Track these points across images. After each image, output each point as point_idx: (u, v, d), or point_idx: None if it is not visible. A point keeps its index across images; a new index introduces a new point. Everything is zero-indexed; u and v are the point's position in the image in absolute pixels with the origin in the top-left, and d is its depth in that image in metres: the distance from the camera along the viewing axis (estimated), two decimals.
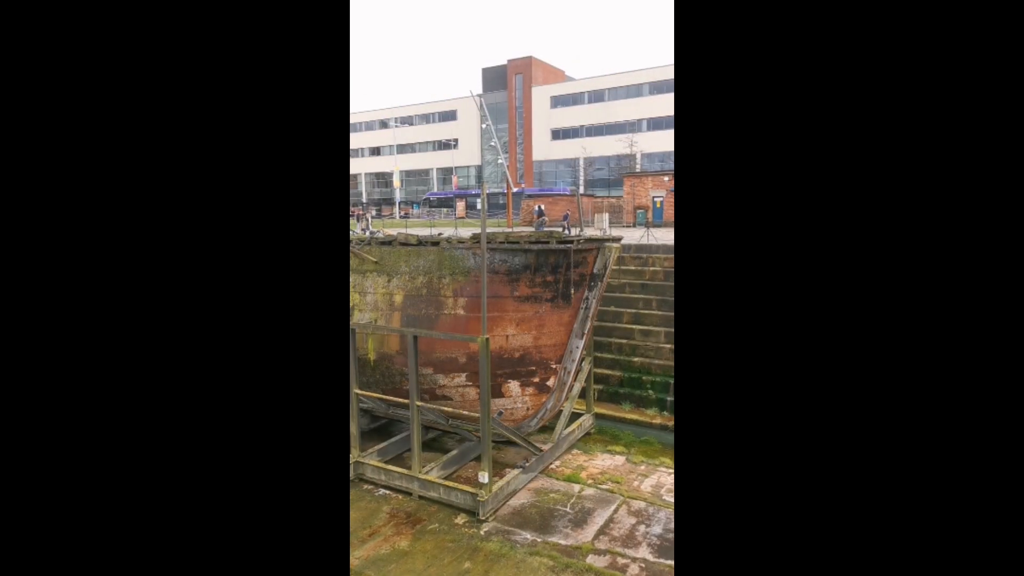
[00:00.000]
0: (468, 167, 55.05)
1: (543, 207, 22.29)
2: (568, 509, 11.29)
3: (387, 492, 12.03)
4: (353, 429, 12.71)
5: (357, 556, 9.82)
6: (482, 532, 10.48)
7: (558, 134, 50.71)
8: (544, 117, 50.93)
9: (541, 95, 50.98)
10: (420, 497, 11.67)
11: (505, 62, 51.98)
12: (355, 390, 12.63)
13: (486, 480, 10.98)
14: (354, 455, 12.61)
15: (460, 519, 10.93)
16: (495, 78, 51.74)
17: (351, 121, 61.99)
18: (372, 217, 29.50)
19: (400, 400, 12.72)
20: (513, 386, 13.62)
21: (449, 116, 55.77)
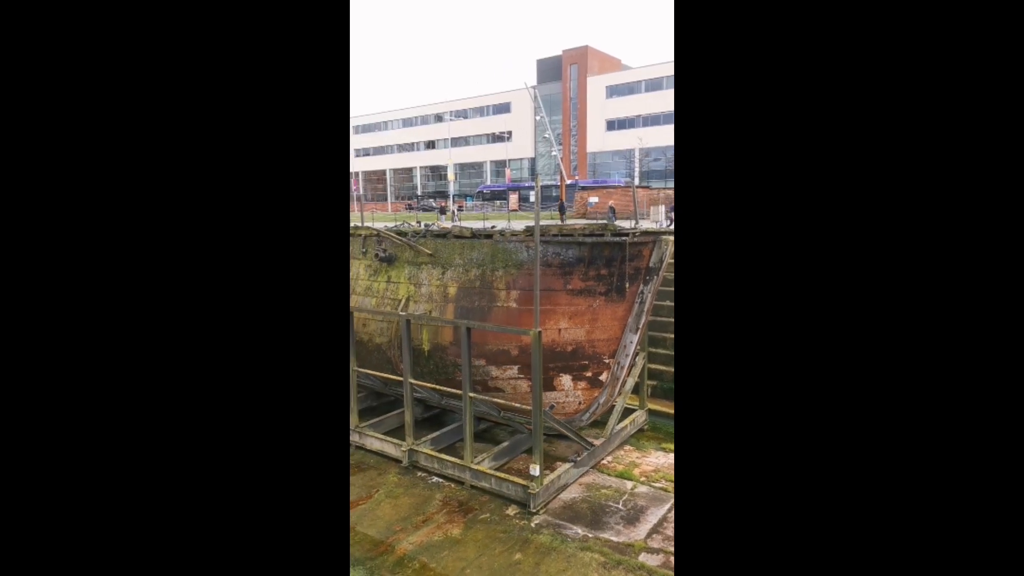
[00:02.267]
0: (521, 160, 55.01)
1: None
2: (620, 506, 11.16)
3: (440, 480, 12.26)
4: (408, 418, 13.01)
5: (411, 541, 10.06)
6: (533, 524, 10.51)
7: (613, 124, 49.82)
8: (599, 107, 50.13)
9: (596, 85, 50.19)
10: (472, 487, 11.83)
11: (560, 53, 51.45)
12: (354, 368, 12.93)
13: (537, 473, 11.00)
14: (408, 443, 12.91)
15: (511, 510, 11.00)
16: (550, 69, 51.35)
17: (408, 116, 63.13)
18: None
19: (453, 391, 12.90)
20: (565, 380, 13.55)
21: (503, 109, 55.84)
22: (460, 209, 26.66)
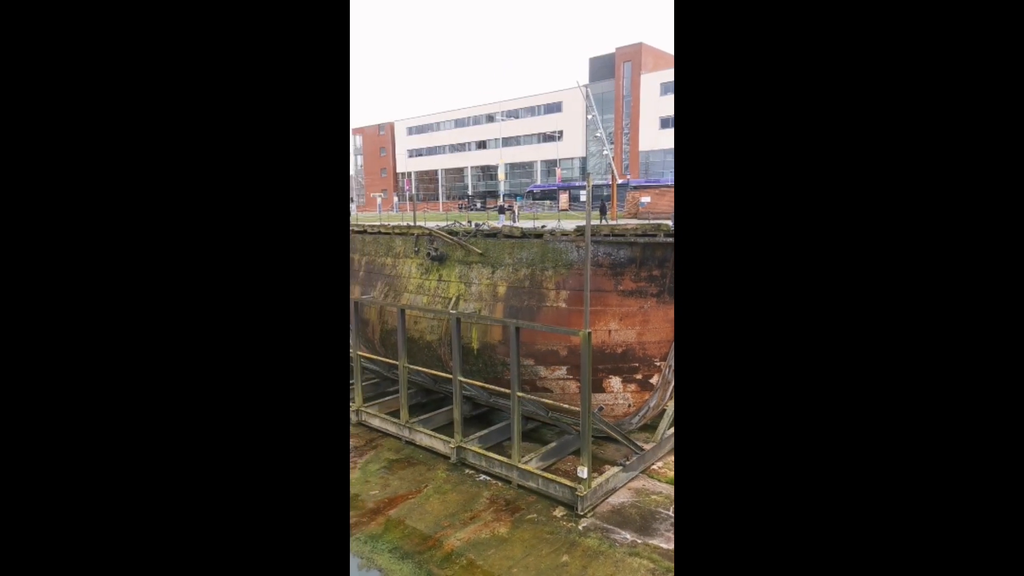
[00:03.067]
0: (572, 159, 54.68)
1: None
2: (670, 513, 10.89)
3: (487, 478, 12.33)
4: (456, 415, 13.15)
5: (459, 538, 10.17)
6: (580, 527, 10.41)
7: (667, 122, 48.75)
8: (653, 105, 49.18)
9: (650, 82, 49.26)
10: (519, 486, 11.84)
11: (613, 51, 50.81)
12: (405, 364, 13.06)
13: (585, 475, 10.89)
14: (456, 440, 13.05)
15: (558, 512, 10.94)
16: (602, 67, 50.79)
17: (460, 117, 63.90)
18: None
19: (501, 389, 12.95)
20: (614, 382, 13.35)
21: (554, 108, 55.68)
22: (516, 208, 26.25)
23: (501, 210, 23.36)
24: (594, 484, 11.08)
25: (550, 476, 11.52)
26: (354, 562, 9.79)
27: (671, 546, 9.78)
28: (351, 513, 11.30)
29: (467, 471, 12.74)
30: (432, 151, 69.05)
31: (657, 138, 50.88)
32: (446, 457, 13.25)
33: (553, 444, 13.24)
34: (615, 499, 11.42)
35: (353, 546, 10.19)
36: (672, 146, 48.48)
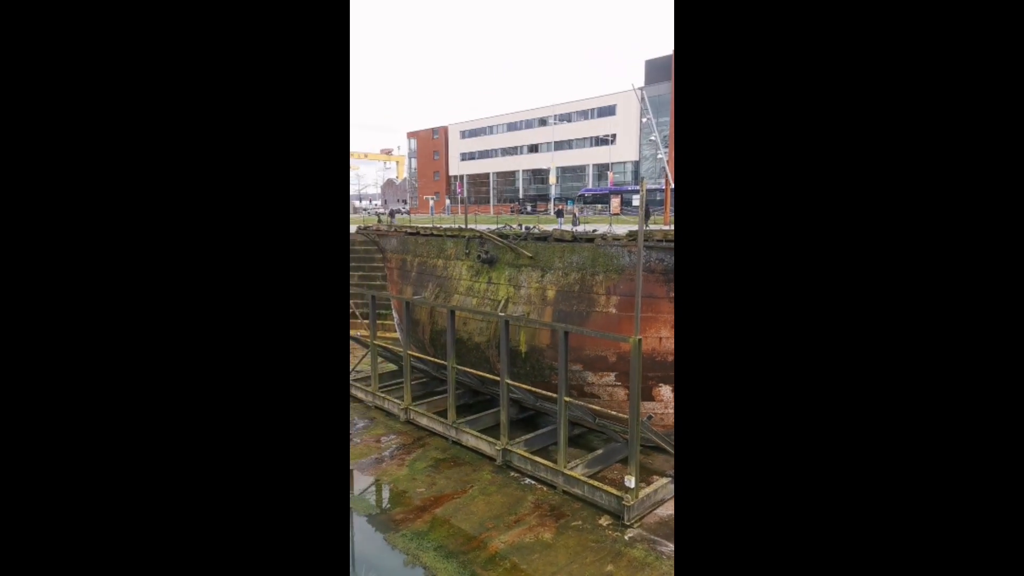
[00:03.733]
0: (624, 163, 53.98)
1: None
2: None
3: (532, 482, 12.29)
4: (503, 417, 13.18)
5: (503, 540, 10.17)
6: (626, 537, 10.21)
7: None
8: None
9: None
10: (564, 492, 11.73)
11: (670, 52, 49.86)
12: (453, 365, 13.09)
13: (633, 485, 10.67)
14: (502, 442, 13.08)
15: (604, 520, 10.77)
16: (659, 70, 49.90)
17: (512, 120, 64.26)
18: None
19: (548, 394, 12.88)
20: (665, 391, 13.04)
21: (608, 111, 55.14)
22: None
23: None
24: (641, 494, 10.85)
25: (596, 484, 11.36)
26: (399, 559, 9.95)
27: None
28: (398, 510, 11.50)
29: (512, 474, 12.73)
30: (484, 154, 69.67)
31: None
32: (491, 459, 13.29)
33: (600, 451, 13.06)
34: (663, 511, 11.14)
35: (399, 542, 10.36)
36: None
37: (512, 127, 65.82)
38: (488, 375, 14.66)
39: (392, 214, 40.22)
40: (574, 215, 24.02)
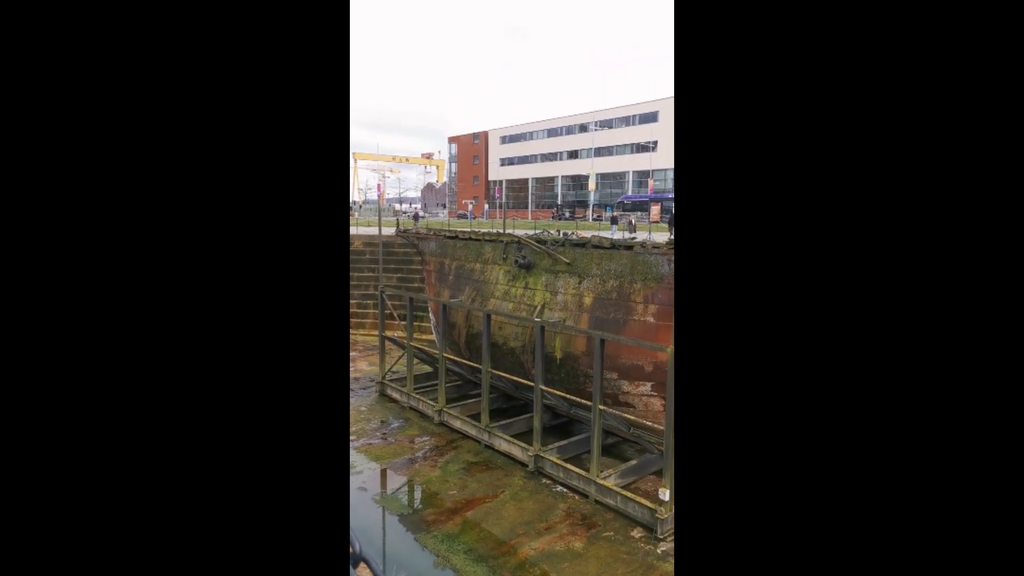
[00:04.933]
0: (665, 170, 53.25)
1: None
2: None
3: (564, 490, 12.19)
4: (536, 423, 13.13)
5: (533, 547, 10.11)
6: (659, 551, 10.01)
7: None
8: None
9: None
10: (596, 501, 11.59)
11: None
12: (488, 369, 13.03)
13: (667, 498, 10.46)
14: (535, 448, 13.03)
15: (636, 532, 10.59)
16: None
17: (552, 127, 64.27)
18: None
19: (582, 401, 12.77)
20: None
21: (650, 118, 54.52)
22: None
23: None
24: (676, 508, 10.62)
25: (629, 495, 11.18)
26: (429, 559, 10.02)
27: None
28: (430, 511, 11.59)
29: (544, 480, 12.66)
30: (524, 160, 69.85)
31: None
32: (523, 464, 13.26)
33: (634, 462, 12.86)
34: None
35: (429, 543, 10.43)
36: None
37: (552, 133, 65.81)
38: (522, 380, 14.65)
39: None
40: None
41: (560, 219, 46.75)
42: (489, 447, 14.34)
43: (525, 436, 14.08)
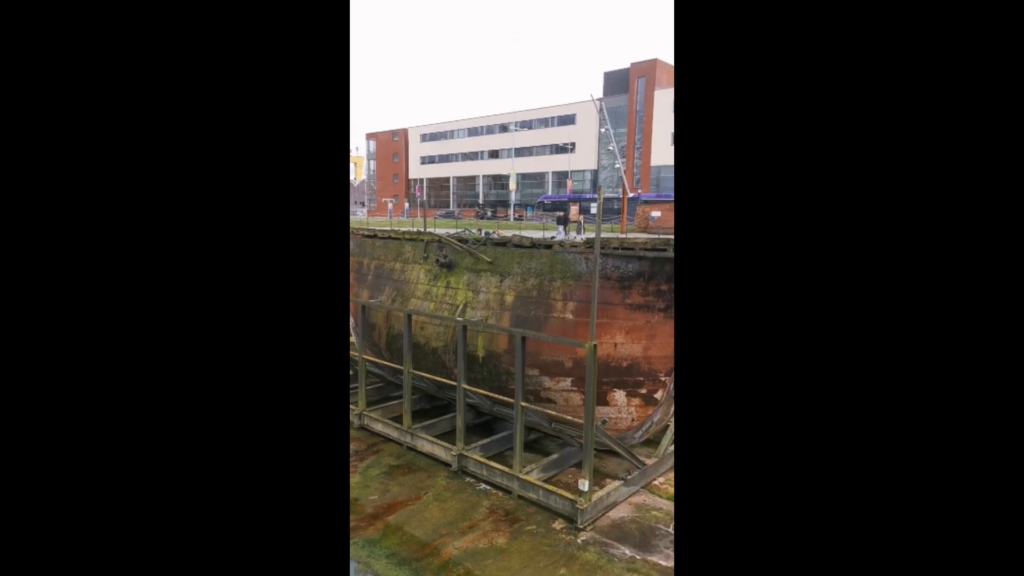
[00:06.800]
0: (584, 171, 54.85)
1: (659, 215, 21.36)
2: (670, 529, 10.79)
3: (487, 487, 12.28)
4: (459, 423, 13.13)
5: (456, 546, 10.11)
6: (579, 540, 10.33)
7: None
8: (666, 120, 49.33)
9: (664, 98, 49.43)
10: (519, 497, 11.77)
11: (628, 66, 51.09)
12: (409, 370, 13.05)
13: (586, 488, 10.82)
14: (458, 447, 13.02)
15: (557, 524, 10.86)
16: (617, 82, 51.04)
17: (473, 126, 64.31)
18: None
19: (505, 399, 12.92)
20: (619, 395, 13.29)
21: (568, 120, 55.94)
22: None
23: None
24: (595, 498, 11.00)
25: (551, 488, 11.45)
26: (351, 566, 9.75)
27: (670, 563, 9.68)
28: (350, 518, 11.27)
29: (468, 479, 12.68)
30: (445, 159, 69.38)
31: (669, 153, 50.96)
32: (447, 464, 13.21)
33: (555, 456, 13.17)
34: (615, 513, 11.33)
35: (351, 551, 10.15)
36: None
37: (473, 132, 65.83)
38: (445, 380, 14.58)
39: None
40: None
41: (481, 219, 46.88)
42: (412, 449, 14.15)
43: (448, 436, 14.03)
